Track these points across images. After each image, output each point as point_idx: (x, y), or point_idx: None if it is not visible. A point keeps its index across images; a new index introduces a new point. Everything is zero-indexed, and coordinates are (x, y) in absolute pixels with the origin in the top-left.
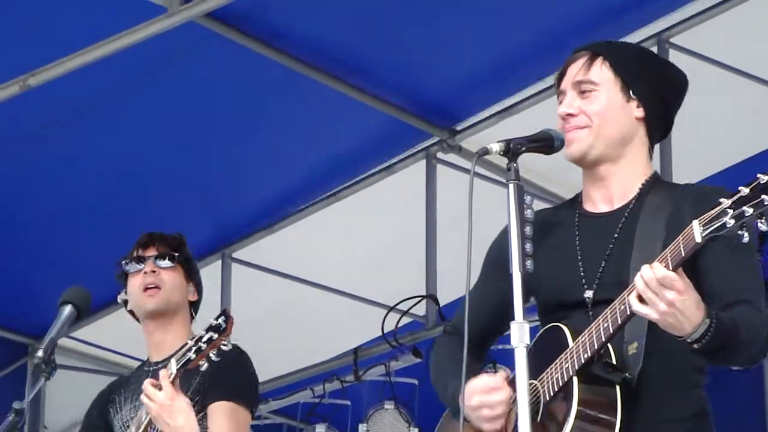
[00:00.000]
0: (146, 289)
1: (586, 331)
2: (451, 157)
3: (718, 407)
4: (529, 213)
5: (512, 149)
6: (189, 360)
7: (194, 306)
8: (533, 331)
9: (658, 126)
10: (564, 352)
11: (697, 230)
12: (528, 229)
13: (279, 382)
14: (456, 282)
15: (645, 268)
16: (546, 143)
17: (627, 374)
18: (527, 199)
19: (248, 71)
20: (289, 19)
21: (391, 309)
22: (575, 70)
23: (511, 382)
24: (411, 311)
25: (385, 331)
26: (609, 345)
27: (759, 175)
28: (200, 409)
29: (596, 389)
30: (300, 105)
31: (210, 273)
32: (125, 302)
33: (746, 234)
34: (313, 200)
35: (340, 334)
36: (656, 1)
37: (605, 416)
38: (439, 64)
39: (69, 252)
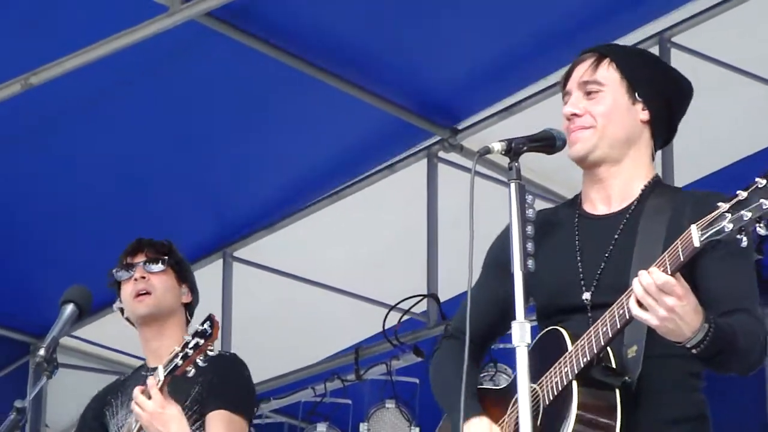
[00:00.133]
0: (137, 295)
1: (585, 335)
2: (453, 156)
3: (718, 413)
4: (530, 212)
5: (514, 148)
6: (176, 366)
7: (189, 307)
8: (534, 330)
9: (662, 130)
10: (563, 356)
11: (695, 235)
12: (529, 229)
13: (280, 381)
14: (457, 281)
15: (643, 273)
16: (547, 143)
17: (627, 378)
18: (529, 198)
19: (249, 70)
20: (290, 18)
21: (392, 308)
22: (582, 71)
23: (510, 386)
24: (412, 310)
25: (386, 330)
26: (608, 348)
27: (757, 179)
28: (198, 417)
29: (596, 393)
30: (301, 104)
31: (211, 272)
32: (121, 310)
33: (744, 238)
34: (315, 199)
35: (341, 333)
36: (658, 1)
37: (605, 420)
38: (440, 63)
39: (70, 251)
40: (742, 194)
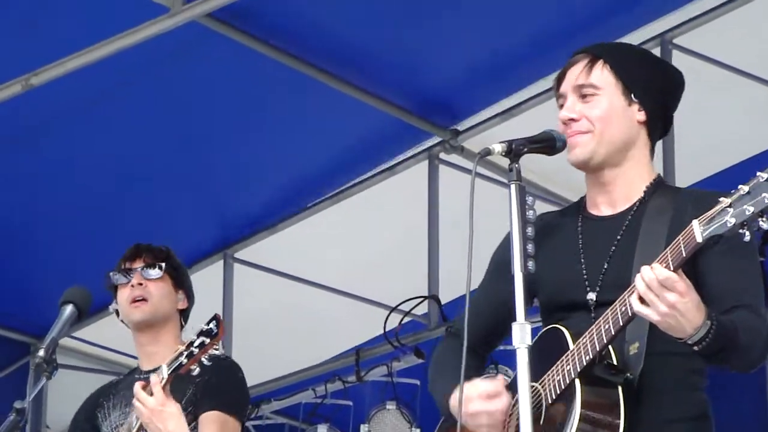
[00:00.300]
0: (134, 301)
1: (587, 333)
2: (454, 158)
3: (718, 413)
4: (530, 214)
5: (514, 150)
6: (180, 365)
7: (184, 313)
8: (535, 332)
9: (659, 127)
10: (565, 355)
11: (697, 230)
12: (530, 230)
13: (281, 382)
14: (458, 282)
15: (645, 269)
16: (548, 144)
17: (629, 374)
18: (529, 199)
19: (250, 71)
20: (291, 19)
21: (393, 309)
22: (575, 74)
23: (511, 385)
24: (413, 312)
25: (387, 332)
26: (610, 346)
27: (759, 173)
28: (192, 418)
29: (599, 391)
30: (302, 105)
31: (212, 273)
32: (117, 312)
33: (747, 233)
34: (315, 200)
35: (342, 334)
36: (659, 1)
37: (609, 418)
38: (441, 64)
39: (70, 252)
40: (744, 189)
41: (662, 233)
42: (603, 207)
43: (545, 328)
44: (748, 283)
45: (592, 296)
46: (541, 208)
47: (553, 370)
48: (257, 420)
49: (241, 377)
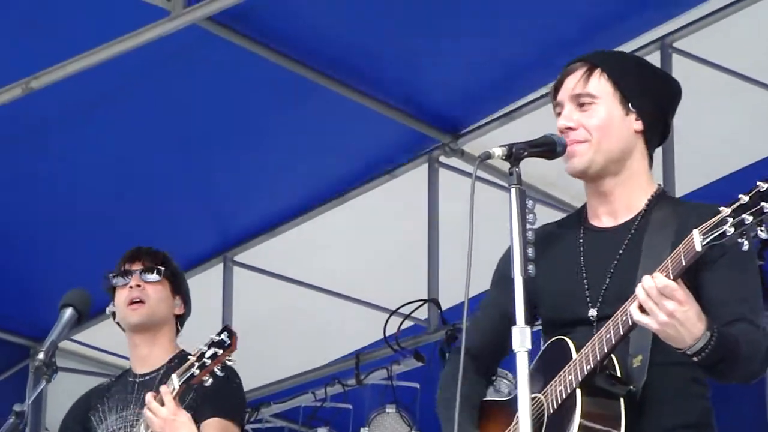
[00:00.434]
0: (131, 303)
1: (589, 343)
2: (454, 161)
3: (719, 422)
4: (531, 217)
5: (514, 154)
6: (192, 375)
7: (180, 319)
8: (534, 335)
9: (656, 136)
10: (567, 365)
11: (697, 239)
12: (530, 234)
13: (281, 385)
14: (458, 286)
15: (646, 277)
16: (548, 148)
17: (631, 387)
18: (529, 203)
19: (251, 75)
20: (292, 23)
21: (393, 313)
22: (573, 82)
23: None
24: (413, 315)
25: (386, 335)
26: (613, 357)
27: (758, 183)
28: None
29: (600, 402)
30: (303, 109)
31: (212, 277)
32: (113, 314)
33: (746, 242)
34: (315, 204)
35: (342, 337)
36: (659, 6)
37: (609, 429)
38: (441, 68)
39: (70, 255)
40: (744, 198)
41: (665, 248)
42: (604, 218)
43: (550, 341)
44: (747, 295)
45: (593, 312)
46: (542, 212)
47: (555, 380)
48: (257, 423)
49: (238, 382)
